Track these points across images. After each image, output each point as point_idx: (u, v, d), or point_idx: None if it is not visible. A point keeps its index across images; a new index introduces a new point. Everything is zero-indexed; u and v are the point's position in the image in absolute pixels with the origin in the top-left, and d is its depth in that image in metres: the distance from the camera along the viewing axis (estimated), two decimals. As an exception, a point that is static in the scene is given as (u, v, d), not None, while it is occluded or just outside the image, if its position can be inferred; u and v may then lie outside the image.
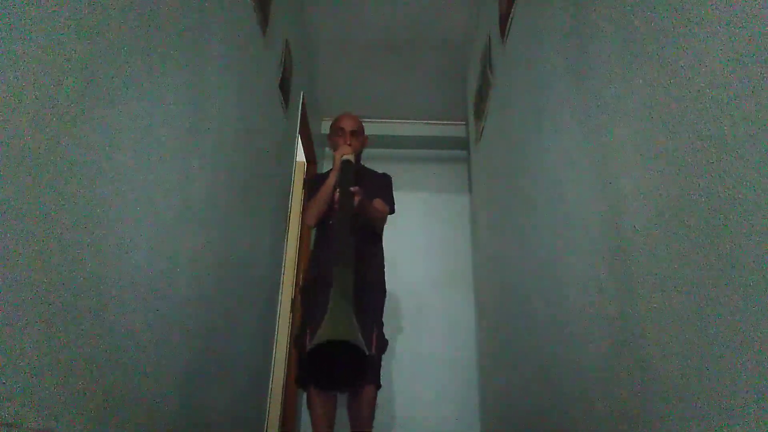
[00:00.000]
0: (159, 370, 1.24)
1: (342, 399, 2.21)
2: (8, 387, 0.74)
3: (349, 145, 2.38)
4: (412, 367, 3.56)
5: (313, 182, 2.53)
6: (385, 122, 4.16)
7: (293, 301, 3.28)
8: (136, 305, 1.13)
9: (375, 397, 2.15)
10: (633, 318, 1.06)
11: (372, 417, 2.13)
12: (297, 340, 2.29)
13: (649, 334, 0.99)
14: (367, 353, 1.39)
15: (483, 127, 2.95)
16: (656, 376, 0.96)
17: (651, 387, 0.98)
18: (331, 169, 2.38)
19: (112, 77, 1.02)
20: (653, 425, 0.96)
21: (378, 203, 2.34)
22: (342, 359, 1.40)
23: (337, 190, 2.10)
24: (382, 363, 2.22)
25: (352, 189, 2.04)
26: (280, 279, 2.70)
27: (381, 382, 2.19)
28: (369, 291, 2.22)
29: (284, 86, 2.66)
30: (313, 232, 2.64)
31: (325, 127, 4.17)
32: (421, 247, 3.93)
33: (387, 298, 2.35)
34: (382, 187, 2.47)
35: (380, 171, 2.60)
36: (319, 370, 1.41)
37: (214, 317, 1.66)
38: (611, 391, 1.15)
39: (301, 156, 3.55)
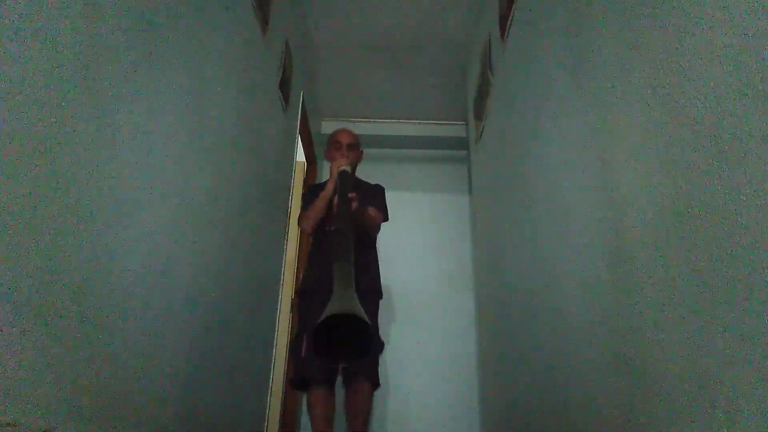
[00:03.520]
0: (159, 370, 1.24)
1: (340, 399, 2.22)
2: (8, 387, 0.74)
3: (345, 157, 2.49)
4: (411, 367, 3.56)
5: (309, 191, 2.62)
6: (385, 122, 4.16)
7: (293, 301, 3.28)
8: (136, 305, 1.13)
9: (372, 395, 2.18)
10: (633, 318, 1.06)
11: (369, 415, 2.16)
12: (293, 344, 2.32)
13: (649, 334, 0.99)
14: (371, 327, 1.42)
15: (483, 127, 2.95)
16: (656, 377, 0.96)
17: (651, 387, 0.98)
18: (327, 180, 2.47)
19: (112, 78, 1.02)
20: (653, 426, 0.96)
21: (372, 211, 2.44)
22: (347, 335, 1.43)
23: (335, 196, 2.17)
24: (380, 363, 2.26)
25: (349, 195, 2.09)
26: (280, 279, 2.70)
27: (380, 382, 2.23)
28: (363, 297, 2.25)
29: (284, 86, 2.66)
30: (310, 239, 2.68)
31: (326, 128, 4.17)
32: (421, 248, 3.93)
33: (387, 298, 2.42)
34: (375, 196, 2.57)
35: (381, 170, 2.70)
36: (324, 343, 1.43)
37: (214, 317, 1.66)
38: (611, 392, 1.15)
39: (301, 156, 3.55)
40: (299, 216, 2.55)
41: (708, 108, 0.83)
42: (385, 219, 2.55)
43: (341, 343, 1.43)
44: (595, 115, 1.28)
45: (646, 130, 1.03)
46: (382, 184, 2.67)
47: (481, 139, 3.06)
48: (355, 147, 2.61)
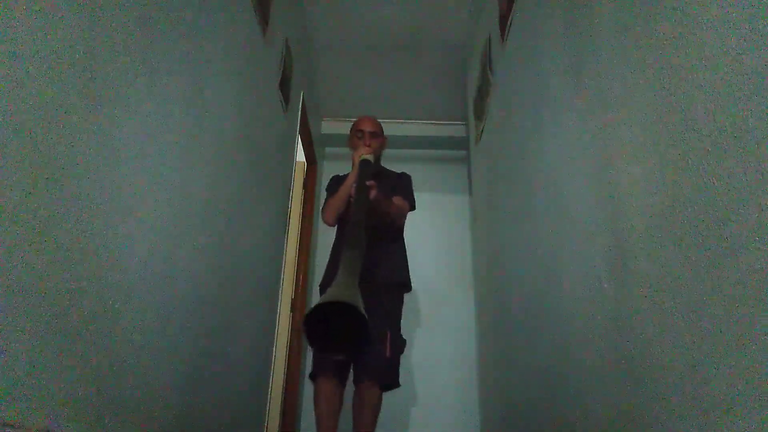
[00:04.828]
0: (159, 370, 1.24)
1: (348, 398, 2.20)
2: (8, 387, 0.74)
3: (368, 145, 2.42)
4: (411, 367, 3.56)
5: (333, 182, 2.55)
6: (386, 122, 4.15)
7: (293, 301, 3.28)
8: (135, 305, 1.13)
9: (380, 399, 2.15)
10: (632, 317, 1.06)
11: (374, 417, 2.12)
12: None
13: (648, 333, 0.99)
14: (367, 319, 1.35)
15: (483, 127, 2.95)
16: (655, 376, 0.96)
17: (650, 387, 0.98)
18: (351, 171, 2.42)
19: (112, 78, 1.02)
20: (652, 425, 0.96)
21: (397, 199, 2.37)
22: (345, 326, 1.37)
23: (354, 186, 2.12)
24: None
25: (367, 183, 2.05)
26: (280, 279, 2.70)
27: (399, 382, 2.24)
28: (384, 290, 2.23)
29: (284, 86, 2.66)
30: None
31: (326, 128, 4.16)
32: (421, 248, 3.92)
33: None
34: (401, 185, 2.49)
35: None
36: (317, 334, 1.38)
37: (214, 317, 1.66)
38: (610, 391, 1.15)
39: (301, 156, 3.55)
40: (322, 207, 2.49)
41: (708, 108, 0.83)
42: (412, 208, 2.46)
43: (339, 336, 1.37)
44: (595, 115, 1.28)
45: (646, 129, 1.03)
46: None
47: (481, 139, 3.06)
48: (379, 135, 2.52)
